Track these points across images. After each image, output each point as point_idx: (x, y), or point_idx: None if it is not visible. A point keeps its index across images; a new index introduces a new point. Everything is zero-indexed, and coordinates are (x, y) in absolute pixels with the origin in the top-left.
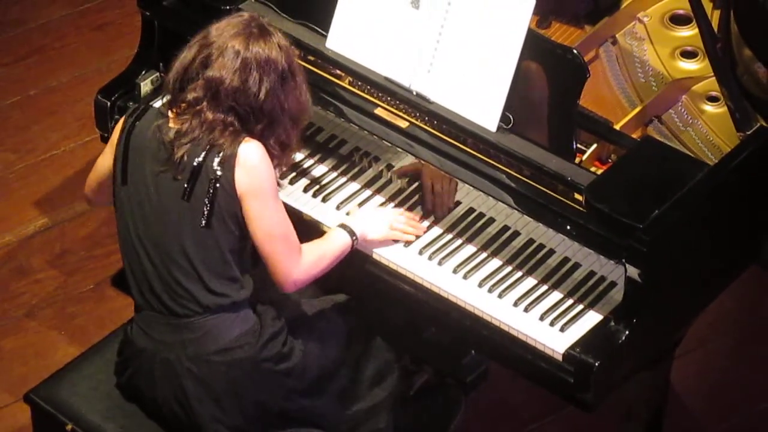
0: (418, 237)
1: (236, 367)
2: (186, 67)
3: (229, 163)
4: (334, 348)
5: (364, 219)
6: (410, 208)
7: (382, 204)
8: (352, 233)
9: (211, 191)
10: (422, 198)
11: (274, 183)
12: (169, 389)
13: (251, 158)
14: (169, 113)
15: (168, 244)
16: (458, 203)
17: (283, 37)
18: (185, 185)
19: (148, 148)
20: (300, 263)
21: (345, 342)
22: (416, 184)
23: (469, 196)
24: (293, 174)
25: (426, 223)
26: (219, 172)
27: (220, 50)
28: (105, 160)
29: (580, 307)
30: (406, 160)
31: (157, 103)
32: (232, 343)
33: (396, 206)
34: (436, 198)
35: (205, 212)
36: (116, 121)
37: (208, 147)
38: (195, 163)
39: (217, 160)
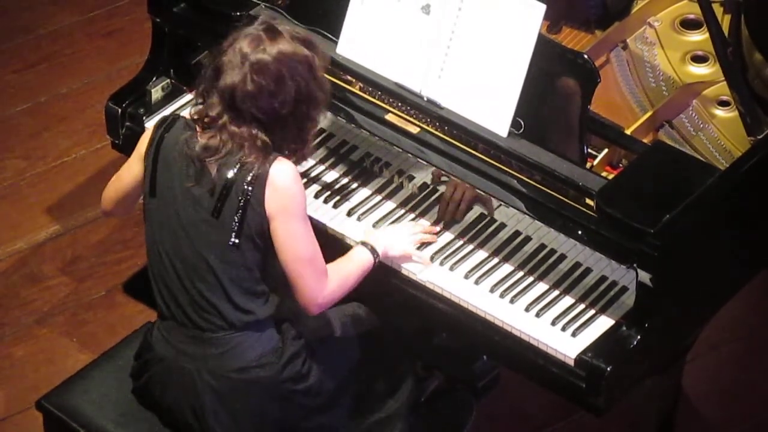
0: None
1: (256, 386)
2: (203, 81)
3: (259, 183)
4: (350, 361)
5: (386, 236)
6: (422, 214)
7: (393, 210)
8: (374, 251)
9: (241, 210)
10: (439, 204)
11: (304, 204)
12: (186, 399)
13: (282, 179)
14: (197, 126)
15: (195, 259)
16: (469, 208)
17: (295, 30)
18: (215, 202)
19: (176, 161)
20: (326, 287)
21: (360, 354)
22: (428, 190)
23: (480, 201)
24: (304, 180)
25: (437, 229)
26: (249, 191)
27: (229, 58)
28: (129, 172)
29: (592, 311)
30: (420, 168)
31: (185, 111)
32: (253, 362)
33: (407, 212)
34: (451, 205)
35: (234, 230)
36: (127, 128)
37: (238, 165)
38: (225, 181)
39: (248, 178)
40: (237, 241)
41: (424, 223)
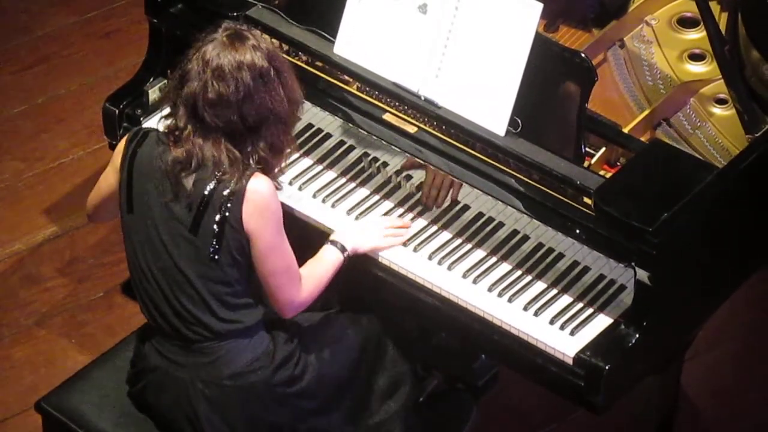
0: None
1: (249, 391)
2: (170, 91)
3: (236, 200)
4: (346, 362)
5: (354, 232)
6: (420, 213)
7: (391, 210)
8: (342, 249)
9: (218, 227)
10: (424, 194)
11: (280, 218)
12: (181, 408)
13: (260, 197)
14: (169, 141)
15: (175, 273)
16: (467, 207)
17: (261, 38)
18: (192, 219)
19: (151, 177)
20: (300, 291)
21: (357, 355)
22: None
23: (478, 200)
24: (302, 180)
25: (434, 228)
26: (226, 209)
27: (193, 65)
28: (107, 180)
29: (590, 310)
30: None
31: (157, 122)
32: (245, 367)
33: (405, 212)
34: (432, 191)
35: (212, 246)
36: (124, 129)
37: (214, 181)
38: (201, 197)
39: (224, 194)
40: (216, 257)
41: (393, 217)
